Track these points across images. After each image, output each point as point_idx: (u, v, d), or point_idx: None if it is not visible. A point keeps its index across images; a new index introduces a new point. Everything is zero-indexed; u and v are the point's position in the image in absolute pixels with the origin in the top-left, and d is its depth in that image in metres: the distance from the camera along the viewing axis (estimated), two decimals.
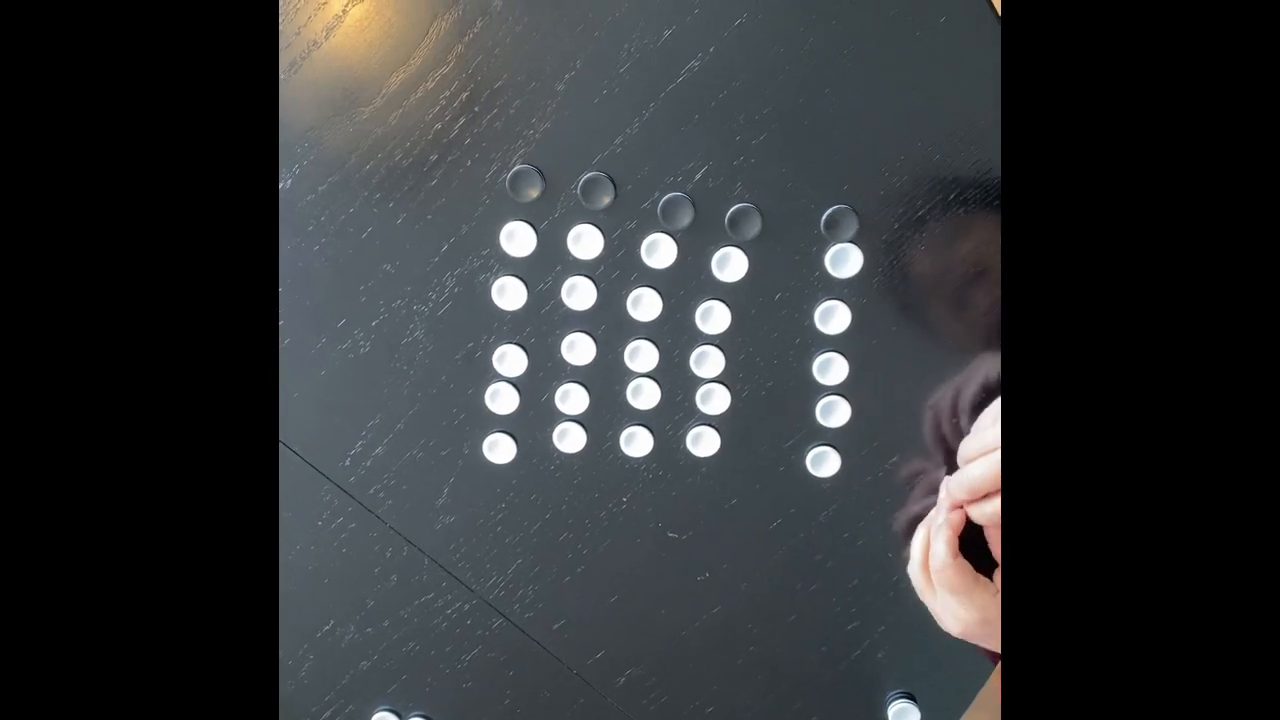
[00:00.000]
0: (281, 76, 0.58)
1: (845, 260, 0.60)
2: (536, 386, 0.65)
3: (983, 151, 0.59)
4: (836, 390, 0.64)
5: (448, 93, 0.58)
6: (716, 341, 0.63)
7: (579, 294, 0.62)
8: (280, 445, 0.66)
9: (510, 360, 0.64)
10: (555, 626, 0.71)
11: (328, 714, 0.74)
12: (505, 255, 0.61)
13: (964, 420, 0.63)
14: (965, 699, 0.72)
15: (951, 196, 0.60)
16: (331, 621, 0.71)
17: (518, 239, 0.61)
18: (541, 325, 0.63)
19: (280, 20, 0.57)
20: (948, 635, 0.69)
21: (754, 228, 0.60)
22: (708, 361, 0.64)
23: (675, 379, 0.64)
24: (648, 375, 0.64)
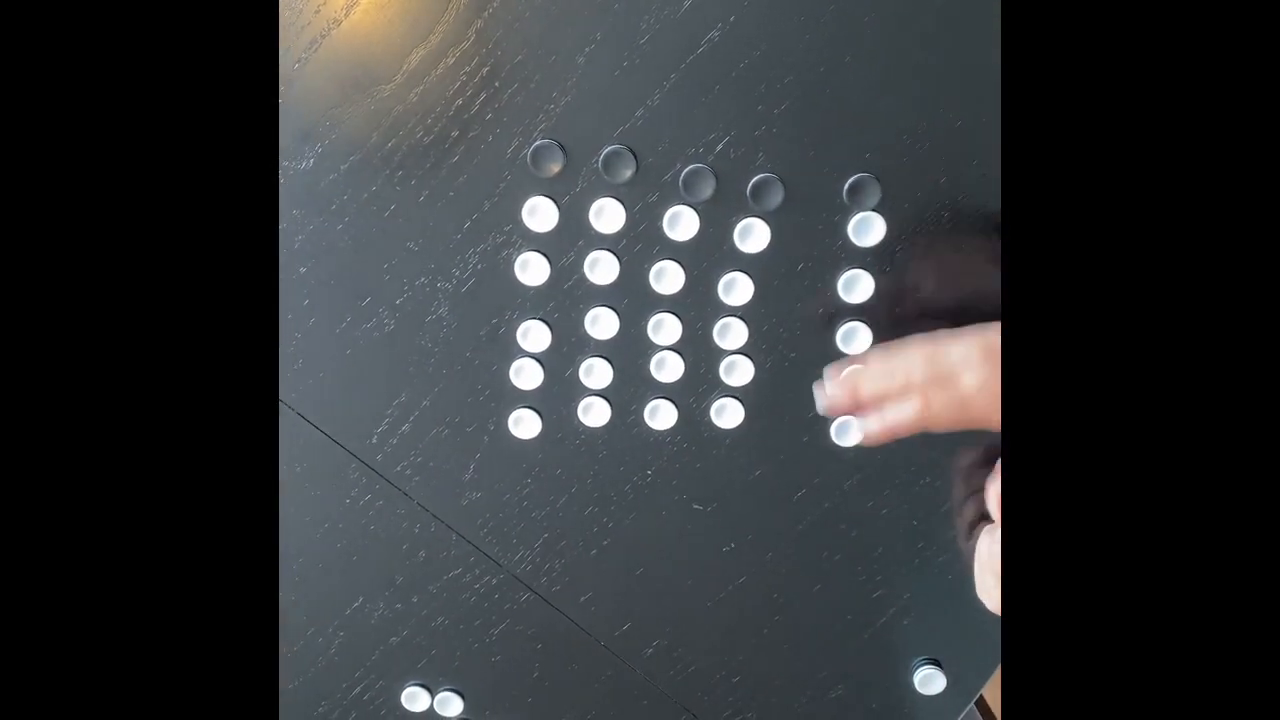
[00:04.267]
0: (302, 55, 0.58)
1: (868, 229, 0.60)
2: (560, 361, 0.65)
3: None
4: (860, 360, 0.64)
5: (468, 68, 0.58)
6: (739, 313, 0.63)
7: (601, 268, 0.62)
8: (307, 424, 0.66)
9: (534, 336, 0.64)
10: (582, 599, 0.71)
11: (358, 690, 0.75)
12: (527, 231, 0.61)
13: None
14: (991, 664, 0.72)
15: (974, 164, 0.59)
16: (361, 598, 0.72)
17: (540, 214, 0.61)
18: (564, 300, 0.63)
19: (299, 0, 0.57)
20: (972, 601, 0.70)
21: (776, 198, 0.60)
22: (731, 333, 0.64)
23: (698, 351, 0.64)
24: (671, 348, 0.64)
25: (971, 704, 0.76)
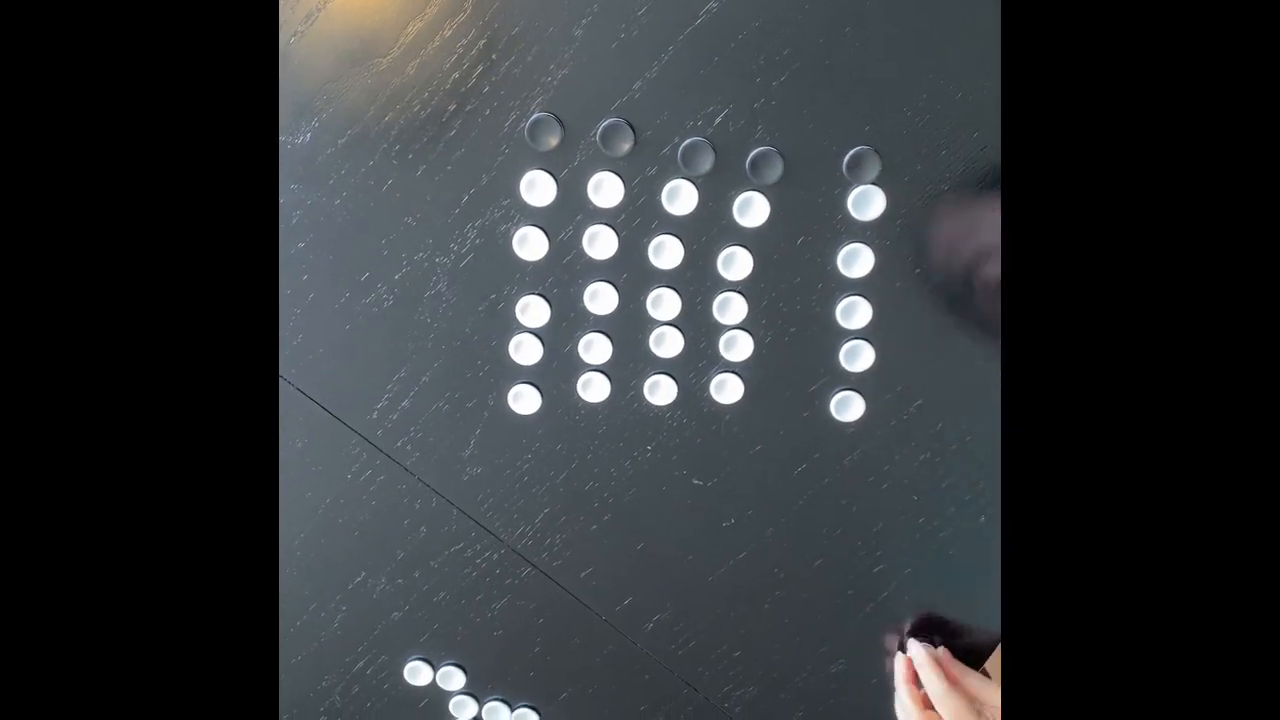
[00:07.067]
0: (299, 29, 0.58)
1: (868, 203, 0.60)
2: (560, 337, 0.65)
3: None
4: (860, 334, 0.64)
5: (465, 41, 0.58)
6: (739, 288, 0.63)
7: (600, 243, 0.62)
8: (307, 399, 0.66)
9: (533, 311, 0.64)
10: (583, 574, 0.72)
11: (361, 664, 0.75)
12: (526, 205, 0.61)
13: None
14: (992, 640, 0.72)
15: (974, 136, 0.59)
16: (363, 573, 0.72)
17: (538, 188, 0.61)
18: (563, 275, 0.63)
19: None
20: (972, 576, 0.70)
21: (775, 171, 0.60)
22: (730, 308, 0.63)
23: (698, 326, 0.64)
24: (670, 323, 0.64)
25: None
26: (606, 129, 0.59)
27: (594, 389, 0.66)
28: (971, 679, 0.69)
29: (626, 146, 0.59)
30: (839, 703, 0.74)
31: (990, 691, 0.68)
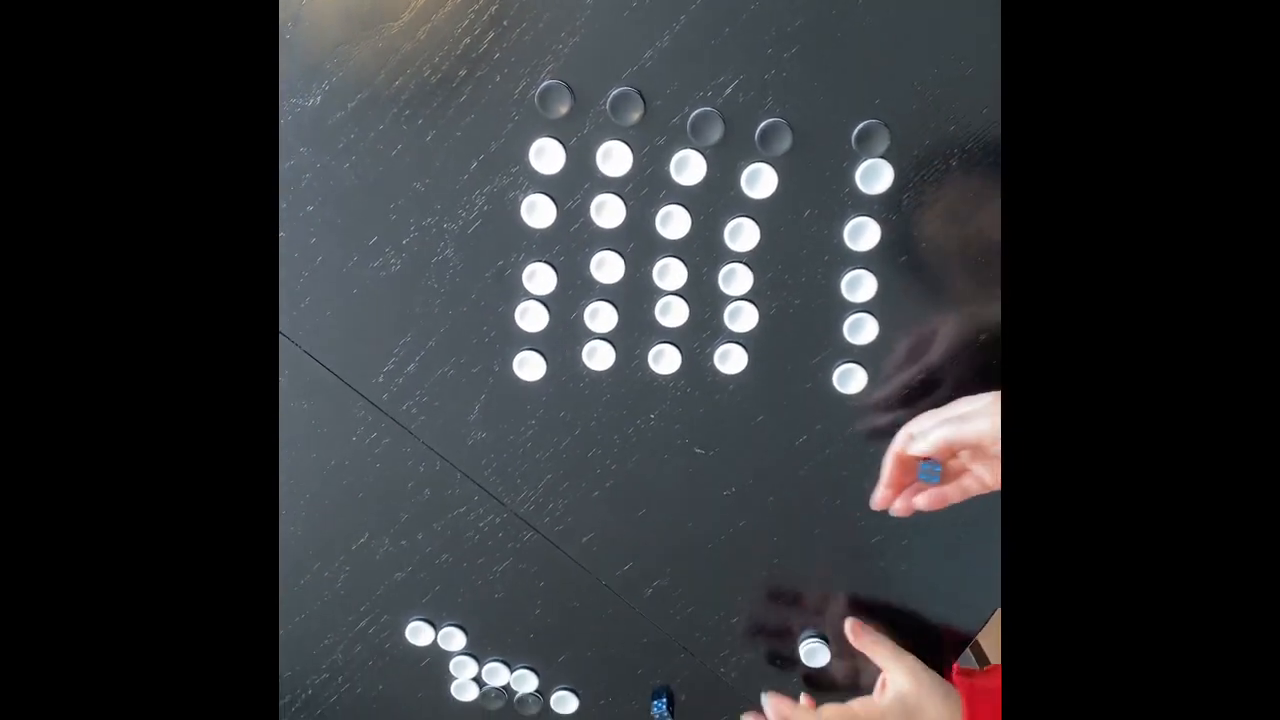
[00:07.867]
0: None
1: (876, 176, 0.60)
2: (566, 304, 0.65)
3: None
4: (864, 308, 0.64)
5: (476, 6, 0.57)
6: (745, 259, 0.63)
7: (608, 211, 0.62)
8: (313, 361, 0.67)
9: (540, 278, 0.64)
10: (584, 539, 0.72)
11: (363, 624, 0.76)
12: (534, 172, 0.61)
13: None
14: (986, 610, 0.74)
15: (985, 111, 0.59)
16: (367, 534, 0.73)
17: (547, 156, 0.61)
18: (571, 243, 0.63)
19: None
20: (968, 548, 0.71)
21: (784, 143, 0.60)
22: (736, 279, 0.64)
23: (703, 296, 0.65)
24: (676, 293, 0.65)
25: (966, 649, 0.77)
26: (616, 98, 0.59)
27: (599, 357, 0.66)
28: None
29: (636, 116, 0.59)
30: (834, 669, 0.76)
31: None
